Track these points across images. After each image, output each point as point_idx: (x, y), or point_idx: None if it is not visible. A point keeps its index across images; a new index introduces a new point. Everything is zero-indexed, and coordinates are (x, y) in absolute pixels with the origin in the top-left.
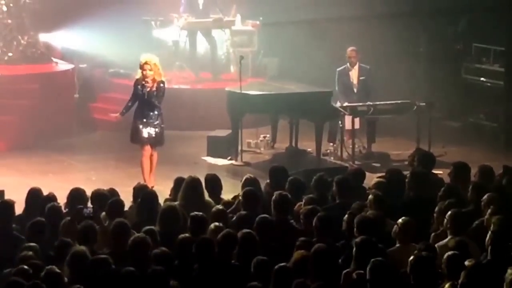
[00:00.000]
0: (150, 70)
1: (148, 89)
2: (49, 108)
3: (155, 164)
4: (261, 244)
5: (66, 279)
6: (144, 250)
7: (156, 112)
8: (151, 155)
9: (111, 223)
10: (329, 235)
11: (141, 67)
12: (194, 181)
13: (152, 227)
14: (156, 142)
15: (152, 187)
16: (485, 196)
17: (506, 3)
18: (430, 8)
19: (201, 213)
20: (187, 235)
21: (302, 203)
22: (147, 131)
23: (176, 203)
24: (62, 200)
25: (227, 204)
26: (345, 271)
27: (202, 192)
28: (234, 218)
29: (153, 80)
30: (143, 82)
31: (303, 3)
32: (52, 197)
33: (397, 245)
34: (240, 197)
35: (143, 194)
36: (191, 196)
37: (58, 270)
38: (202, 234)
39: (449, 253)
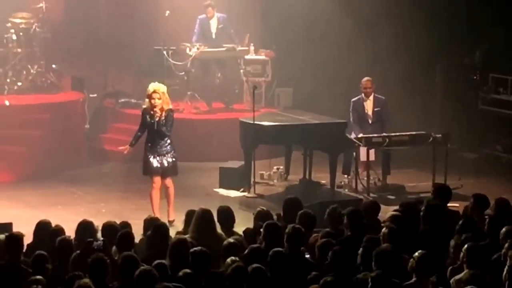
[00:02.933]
0: (159, 99)
1: (157, 118)
2: (58, 138)
3: (172, 197)
4: (274, 277)
5: None
6: (150, 282)
7: (166, 141)
8: (168, 187)
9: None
10: (341, 269)
11: (149, 96)
12: (206, 214)
13: (163, 261)
14: (168, 171)
15: (173, 221)
16: (504, 230)
17: None
18: (446, 39)
19: (200, 248)
20: None
21: (319, 236)
22: (158, 161)
23: (186, 236)
24: (71, 232)
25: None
26: None
27: (214, 225)
28: (246, 251)
29: (161, 109)
30: (152, 112)
31: (316, 33)
32: (59, 230)
33: (414, 279)
34: (262, 230)
35: (154, 227)
36: (203, 229)
37: None
38: (204, 269)
39: (466, 287)
